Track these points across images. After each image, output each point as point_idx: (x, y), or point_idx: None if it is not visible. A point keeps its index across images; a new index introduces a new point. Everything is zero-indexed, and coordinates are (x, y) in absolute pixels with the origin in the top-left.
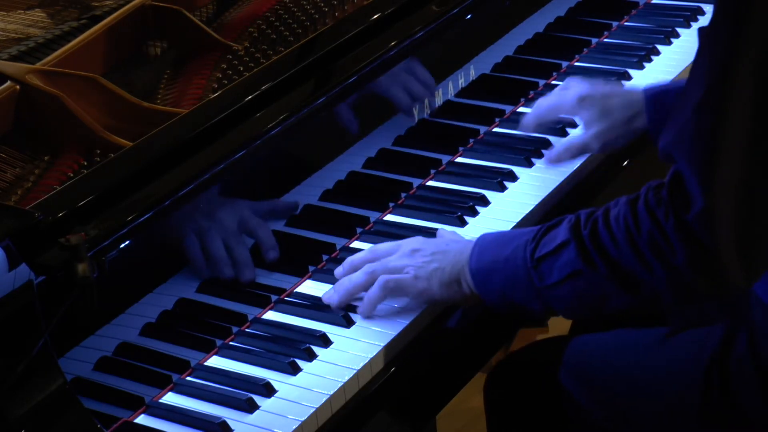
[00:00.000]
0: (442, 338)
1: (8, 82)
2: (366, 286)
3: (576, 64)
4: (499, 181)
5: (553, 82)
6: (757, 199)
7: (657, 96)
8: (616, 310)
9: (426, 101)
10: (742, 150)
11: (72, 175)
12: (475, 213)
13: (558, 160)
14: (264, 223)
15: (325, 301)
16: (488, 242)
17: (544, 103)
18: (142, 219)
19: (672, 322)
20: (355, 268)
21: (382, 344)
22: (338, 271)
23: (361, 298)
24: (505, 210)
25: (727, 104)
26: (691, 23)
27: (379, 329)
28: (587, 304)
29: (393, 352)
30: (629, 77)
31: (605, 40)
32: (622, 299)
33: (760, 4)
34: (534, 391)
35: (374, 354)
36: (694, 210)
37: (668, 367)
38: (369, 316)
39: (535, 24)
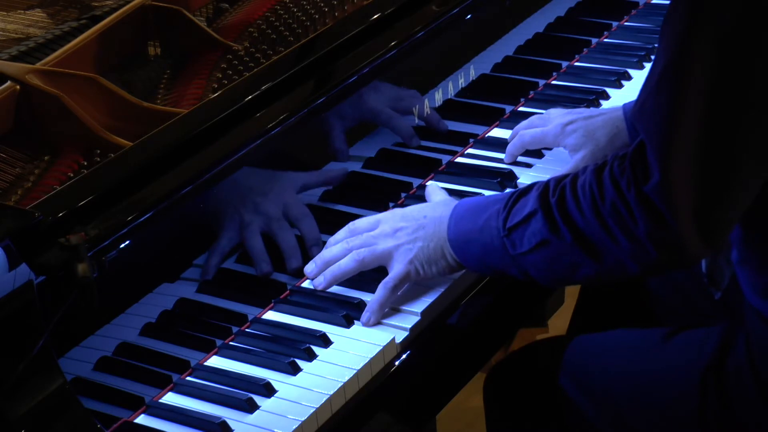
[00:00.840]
0: (442, 338)
1: (8, 82)
2: (355, 272)
3: (576, 64)
4: (500, 181)
5: (553, 82)
6: (712, 174)
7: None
8: (588, 278)
9: (426, 102)
10: (697, 126)
11: (72, 175)
12: None
13: None
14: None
15: (313, 285)
16: (463, 211)
17: (527, 134)
18: (142, 219)
19: (669, 322)
20: (333, 261)
21: (382, 344)
22: (310, 269)
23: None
24: None
25: (684, 81)
26: None
27: (379, 329)
28: (559, 271)
29: (393, 352)
30: (629, 77)
31: (605, 40)
32: (590, 268)
33: None
34: (532, 392)
35: (374, 354)
36: (652, 181)
37: (666, 370)
38: (378, 322)
39: (535, 24)
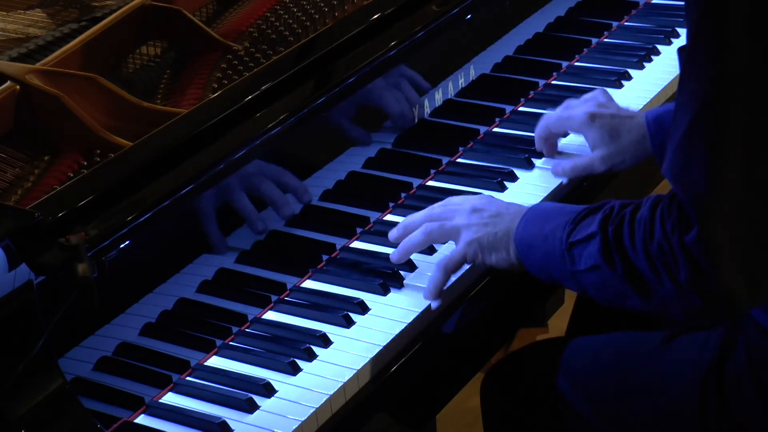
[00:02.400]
0: (442, 338)
1: (8, 82)
2: (425, 244)
3: (576, 64)
4: (499, 181)
5: (554, 82)
6: (760, 224)
7: (658, 118)
8: (637, 309)
9: (426, 101)
10: (737, 176)
11: (72, 175)
12: None
13: (564, 175)
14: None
15: (391, 258)
16: (535, 214)
17: (552, 115)
18: (142, 219)
19: (670, 325)
20: (412, 228)
21: (383, 344)
22: (392, 233)
23: None
24: None
25: (718, 133)
26: None
27: (379, 329)
28: (609, 297)
29: (393, 352)
30: (629, 77)
31: (605, 40)
32: (638, 301)
33: (735, 22)
34: (530, 393)
35: (374, 354)
36: (692, 234)
37: (666, 372)
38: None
39: (535, 24)
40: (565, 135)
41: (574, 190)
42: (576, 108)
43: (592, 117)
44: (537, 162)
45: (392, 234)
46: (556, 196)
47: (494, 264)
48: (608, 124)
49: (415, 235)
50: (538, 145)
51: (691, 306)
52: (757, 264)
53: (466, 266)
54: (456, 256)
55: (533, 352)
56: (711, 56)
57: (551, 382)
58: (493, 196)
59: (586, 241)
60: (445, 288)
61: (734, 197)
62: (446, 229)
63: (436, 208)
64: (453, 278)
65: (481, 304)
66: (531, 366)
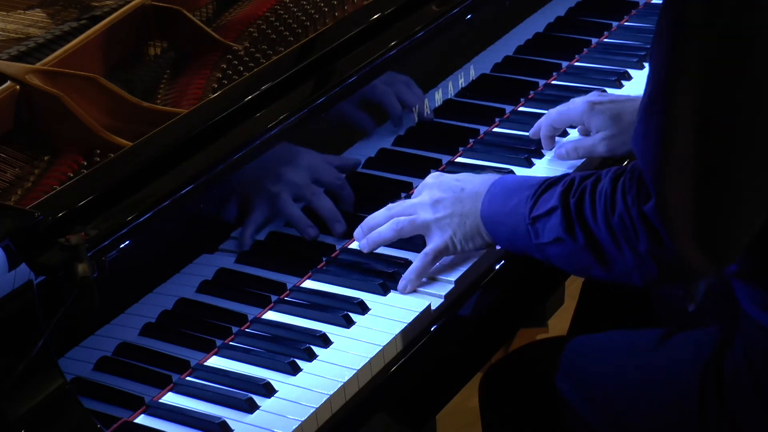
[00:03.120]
0: (442, 338)
1: (8, 82)
2: (394, 239)
3: (576, 64)
4: None
5: (554, 82)
6: (710, 196)
7: None
8: (600, 279)
9: (426, 101)
10: (690, 149)
11: (72, 175)
12: None
13: (567, 157)
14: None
15: (359, 246)
16: (497, 190)
17: (553, 111)
18: (142, 219)
19: (668, 323)
20: (375, 226)
21: (382, 344)
22: (357, 232)
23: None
24: None
25: (673, 105)
26: None
27: (379, 329)
28: (574, 267)
29: (393, 352)
30: (629, 77)
31: (605, 40)
32: (600, 271)
33: (694, 5)
34: (529, 392)
35: (374, 354)
36: (650, 203)
37: (663, 370)
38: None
39: (535, 24)
40: (564, 135)
41: None
42: (575, 101)
43: (592, 105)
44: (537, 162)
45: (357, 234)
46: None
47: (473, 249)
48: (609, 109)
49: (386, 230)
50: (544, 142)
51: (649, 275)
52: (712, 233)
53: (467, 266)
54: (439, 248)
55: (532, 352)
56: (671, 36)
57: (550, 382)
58: (442, 174)
59: (547, 214)
60: (445, 293)
61: (687, 168)
62: (417, 224)
63: (394, 207)
64: (454, 278)
65: (481, 304)
66: (530, 365)
